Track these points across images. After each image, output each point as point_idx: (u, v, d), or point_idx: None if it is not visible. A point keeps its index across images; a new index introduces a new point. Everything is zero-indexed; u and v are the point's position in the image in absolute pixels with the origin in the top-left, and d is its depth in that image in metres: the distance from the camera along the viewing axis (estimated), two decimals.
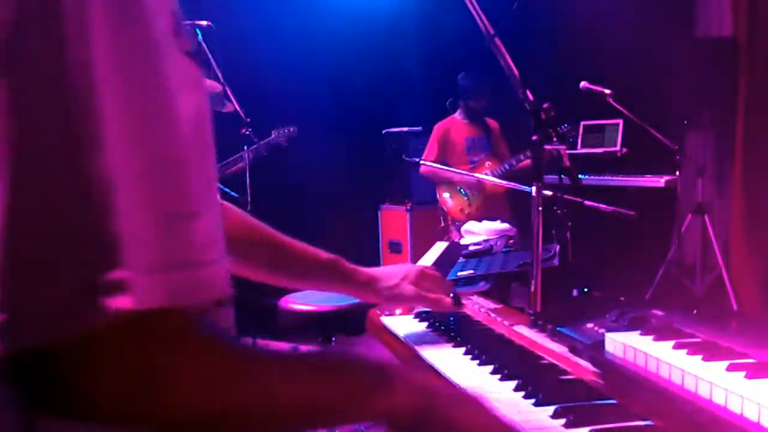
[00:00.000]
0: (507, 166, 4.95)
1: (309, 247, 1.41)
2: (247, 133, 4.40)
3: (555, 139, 1.55)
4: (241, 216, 1.33)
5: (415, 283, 1.47)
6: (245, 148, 4.43)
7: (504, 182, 2.96)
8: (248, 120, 4.38)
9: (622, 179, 5.03)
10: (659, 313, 1.28)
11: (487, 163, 5.12)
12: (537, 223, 1.55)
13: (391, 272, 1.48)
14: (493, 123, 5.25)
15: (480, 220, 2.70)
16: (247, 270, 1.31)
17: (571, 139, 4.92)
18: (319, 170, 6.29)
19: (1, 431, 0.62)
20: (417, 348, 1.41)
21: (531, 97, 1.55)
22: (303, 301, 3.45)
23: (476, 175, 3.92)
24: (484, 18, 1.56)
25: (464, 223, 2.76)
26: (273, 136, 4.96)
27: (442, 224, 5.20)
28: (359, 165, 6.12)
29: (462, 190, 5.12)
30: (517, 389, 1.12)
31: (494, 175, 4.86)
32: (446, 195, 5.16)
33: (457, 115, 5.27)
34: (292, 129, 5.00)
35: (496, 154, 5.19)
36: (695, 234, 5.00)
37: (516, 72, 1.56)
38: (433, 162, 5.07)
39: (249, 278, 1.32)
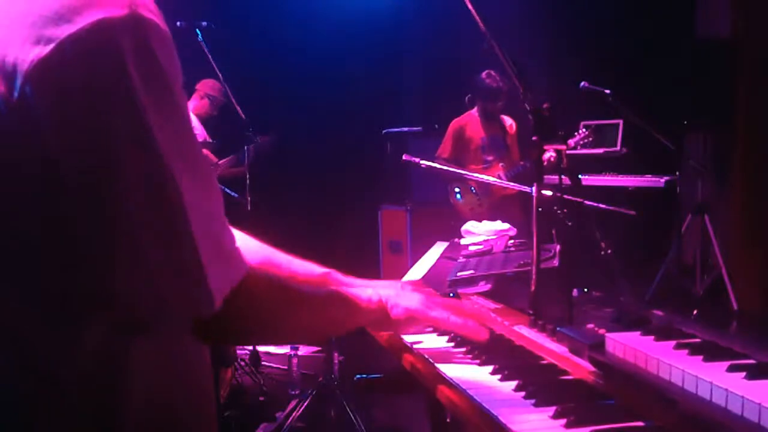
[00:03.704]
0: (520, 168, 4.90)
1: (302, 267, 1.37)
2: (248, 133, 4.40)
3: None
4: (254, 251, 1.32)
5: None
6: (245, 148, 4.42)
7: (507, 183, 2.95)
8: (248, 120, 4.38)
9: (622, 179, 5.03)
10: (659, 313, 1.28)
11: (501, 164, 5.07)
12: (535, 223, 1.55)
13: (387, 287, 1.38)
14: (509, 123, 5.17)
15: (491, 220, 2.69)
16: None
17: (585, 142, 4.83)
18: (318, 170, 6.30)
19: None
20: (417, 348, 1.41)
21: (531, 96, 1.55)
22: None
23: (475, 175, 3.90)
24: (483, 19, 1.56)
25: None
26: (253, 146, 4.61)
27: (453, 222, 5.16)
28: (359, 165, 6.12)
29: (473, 189, 5.09)
30: (517, 389, 1.12)
31: (507, 177, 4.82)
32: (457, 193, 5.13)
33: (474, 112, 5.19)
34: (269, 137, 4.74)
35: (510, 155, 5.13)
36: (695, 234, 5.00)
37: (516, 72, 1.56)
38: (448, 159, 5.06)
39: None
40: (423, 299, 1.31)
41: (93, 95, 0.77)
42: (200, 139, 4.91)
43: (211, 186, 0.90)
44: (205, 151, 4.61)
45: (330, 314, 1.19)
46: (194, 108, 5.08)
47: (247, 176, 4.38)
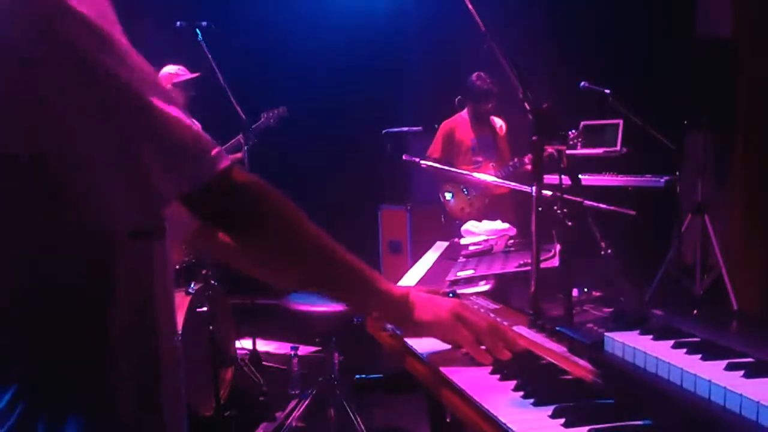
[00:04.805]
0: (511, 168, 4.91)
1: None
2: (248, 132, 4.40)
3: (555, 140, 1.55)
4: None
5: None
6: (245, 148, 4.42)
7: (504, 182, 2.96)
8: (248, 120, 4.38)
9: (622, 179, 5.02)
10: (659, 312, 1.28)
11: (491, 164, 5.10)
12: (535, 222, 1.56)
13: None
14: (499, 123, 5.21)
15: (480, 221, 2.70)
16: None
17: (574, 142, 4.84)
18: (318, 170, 6.30)
19: None
20: (417, 349, 1.41)
21: (530, 97, 1.55)
22: (303, 302, 3.45)
23: (475, 174, 3.91)
24: (483, 19, 1.56)
25: (464, 222, 2.76)
26: (262, 119, 4.81)
27: (444, 222, 5.17)
28: (359, 165, 6.12)
29: (465, 190, 5.10)
30: (516, 389, 1.12)
31: (498, 176, 4.82)
32: (448, 193, 5.15)
33: (464, 114, 5.24)
34: (281, 109, 4.83)
35: (500, 155, 5.16)
36: (695, 234, 5.00)
37: (515, 72, 1.57)
38: (438, 160, 5.06)
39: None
40: (455, 312, 1.26)
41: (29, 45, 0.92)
42: None
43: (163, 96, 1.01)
44: None
45: (339, 274, 1.23)
46: None
47: None
